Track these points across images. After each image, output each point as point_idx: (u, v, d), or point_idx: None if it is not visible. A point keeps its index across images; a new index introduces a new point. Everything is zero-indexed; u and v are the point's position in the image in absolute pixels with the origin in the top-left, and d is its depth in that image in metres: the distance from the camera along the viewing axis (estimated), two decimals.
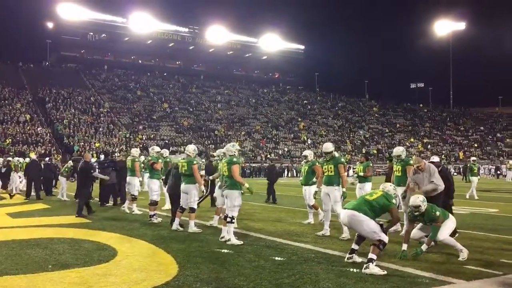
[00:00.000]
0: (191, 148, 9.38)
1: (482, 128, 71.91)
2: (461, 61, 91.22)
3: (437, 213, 6.59)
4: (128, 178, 12.79)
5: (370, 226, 5.90)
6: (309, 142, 56.47)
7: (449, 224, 6.73)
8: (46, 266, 6.07)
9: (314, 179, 10.02)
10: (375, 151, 56.35)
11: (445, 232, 6.60)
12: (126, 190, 13.33)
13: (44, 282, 5.28)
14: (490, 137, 68.05)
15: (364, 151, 50.30)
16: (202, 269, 5.84)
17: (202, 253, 6.93)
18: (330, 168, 8.68)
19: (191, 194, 9.08)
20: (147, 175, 13.12)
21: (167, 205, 13.32)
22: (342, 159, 9.04)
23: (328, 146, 8.93)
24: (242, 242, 7.58)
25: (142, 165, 13.95)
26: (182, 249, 7.18)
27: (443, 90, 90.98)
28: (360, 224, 5.95)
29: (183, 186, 9.16)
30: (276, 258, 6.53)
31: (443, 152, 60.18)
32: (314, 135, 60.37)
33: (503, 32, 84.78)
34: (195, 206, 9.15)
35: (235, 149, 8.18)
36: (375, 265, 5.64)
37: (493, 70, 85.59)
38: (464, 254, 6.49)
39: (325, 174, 8.81)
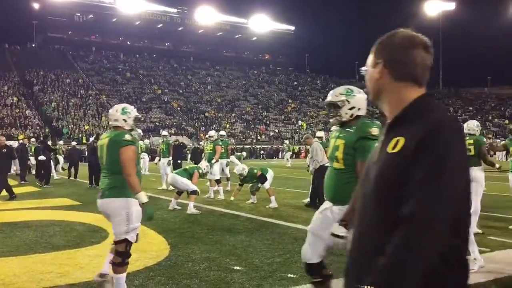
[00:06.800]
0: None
1: (470, 108, 72.41)
2: (450, 42, 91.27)
3: (255, 170, 10.12)
4: None
5: (185, 182, 9.32)
6: (299, 124, 56.51)
7: (269, 176, 10.09)
8: (37, 248, 6.06)
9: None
10: None
11: (267, 182, 9.99)
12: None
13: (35, 263, 5.28)
14: (478, 117, 68.50)
15: None
16: (193, 249, 5.87)
17: (193, 233, 6.96)
18: (210, 147, 11.88)
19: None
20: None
21: (164, 185, 13.59)
22: (220, 142, 12.05)
23: (212, 133, 12.18)
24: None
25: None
26: (173, 230, 7.21)
27: (432, 70, 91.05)
28: (178, 181, 9.36)
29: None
30: (267, 238, 6.58)
31: None
32: (305, 116, 60.39)
33: (492, 12, 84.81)
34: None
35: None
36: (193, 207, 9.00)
37: (482, 51, 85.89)
38: (273, 204, 9.65)
39: (207, 152, 12.00)
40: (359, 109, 3.31)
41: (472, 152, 7.11)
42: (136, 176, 3.96)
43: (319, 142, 10.94)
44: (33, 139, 22.81)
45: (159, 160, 14.06)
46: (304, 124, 55.97)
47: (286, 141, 37.18)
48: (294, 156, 38.62)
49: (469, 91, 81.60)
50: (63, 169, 21.20)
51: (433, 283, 1.25)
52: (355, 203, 1.75)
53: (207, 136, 12.85)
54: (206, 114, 54.02)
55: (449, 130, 1.29)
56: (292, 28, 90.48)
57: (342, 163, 3.23)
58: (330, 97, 3.39)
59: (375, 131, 3.10)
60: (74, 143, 20.77)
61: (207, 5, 78.65)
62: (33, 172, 18.81)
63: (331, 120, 3.45)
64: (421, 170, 1.25)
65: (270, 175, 10.19)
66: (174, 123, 48.32)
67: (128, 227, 3.97)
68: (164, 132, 15.11)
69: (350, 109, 3.29)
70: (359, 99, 3.33)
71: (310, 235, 3.48)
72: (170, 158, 13.92)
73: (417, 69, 1.43)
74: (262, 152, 44.10)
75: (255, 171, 10.14)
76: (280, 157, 43.31)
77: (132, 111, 4.26)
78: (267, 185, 9.99)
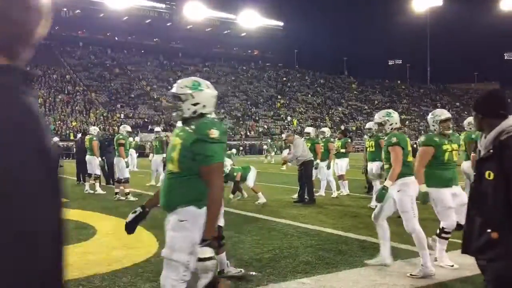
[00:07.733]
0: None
1: (458, 104, 73.14)
2: (438, 38, 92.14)
3: (235, 173, 9.75)
4: (88, 158, 12.67)
5: None
6: (288, 119, 56.59)
7: (251, 175, 9.85)
8: None
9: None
10: (353, 128, 56.89)
11: (250, 180, 9.82)
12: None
13: None
14: (465, 113, 69.24)
15: (342, 128, 50.77)
16: None
17: None
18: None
19: None
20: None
21: (152, 181, 13.54)
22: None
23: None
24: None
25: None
26: (162, 226, 7.16)
27: (420, 66, 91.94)
28: None
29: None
30: (256, 234, 6.59)
31: (420, 128, 61.12)
32: (294, 112, 60.49)
33: (479, 8, 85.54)
34: None
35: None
36: None
37: (469, 47, 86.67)
38: (261, 199, 9.64)
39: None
40: (204, 106, 2.85)
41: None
42: None
43: (307, 138, 10.99)
44: None
45: (153, 157, 14.14)
46: (295, 121, 56.05)
47: (269, 140, 36.21)
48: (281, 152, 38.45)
49: (456, 87, 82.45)
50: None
51: None
52: None
53: None
54: None
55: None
56: (281, 24, 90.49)
57: (177, 165, 2.78)
58: (174, 88, 2.96)
59: (214, 133, 2.68)
60: (55, 139, 20.71)
61: (196, 1, 78.26)
62: None
63: (173, 114, 2.93)
64: None
65: (252, 173, 9.95)
66: (163, 120, 48.12)
67: None
68: (157, 128, 15.06)
69: (194, 104, 2.83)
70: (205, 95, 2.88)
71: (165, 262, 2.93)
72: (165, 155, 13.71)
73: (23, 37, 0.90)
74: (241, 149, 43.04)
75: (235, 174, 9.77)
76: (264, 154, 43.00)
77: None
78: (250, 183, 9.86)
